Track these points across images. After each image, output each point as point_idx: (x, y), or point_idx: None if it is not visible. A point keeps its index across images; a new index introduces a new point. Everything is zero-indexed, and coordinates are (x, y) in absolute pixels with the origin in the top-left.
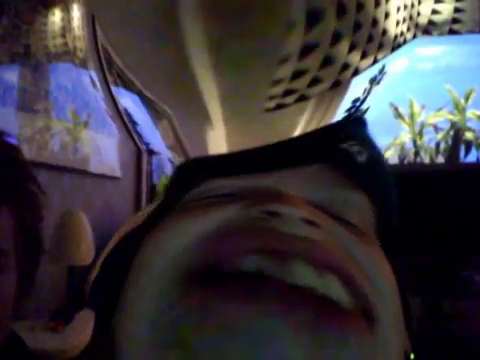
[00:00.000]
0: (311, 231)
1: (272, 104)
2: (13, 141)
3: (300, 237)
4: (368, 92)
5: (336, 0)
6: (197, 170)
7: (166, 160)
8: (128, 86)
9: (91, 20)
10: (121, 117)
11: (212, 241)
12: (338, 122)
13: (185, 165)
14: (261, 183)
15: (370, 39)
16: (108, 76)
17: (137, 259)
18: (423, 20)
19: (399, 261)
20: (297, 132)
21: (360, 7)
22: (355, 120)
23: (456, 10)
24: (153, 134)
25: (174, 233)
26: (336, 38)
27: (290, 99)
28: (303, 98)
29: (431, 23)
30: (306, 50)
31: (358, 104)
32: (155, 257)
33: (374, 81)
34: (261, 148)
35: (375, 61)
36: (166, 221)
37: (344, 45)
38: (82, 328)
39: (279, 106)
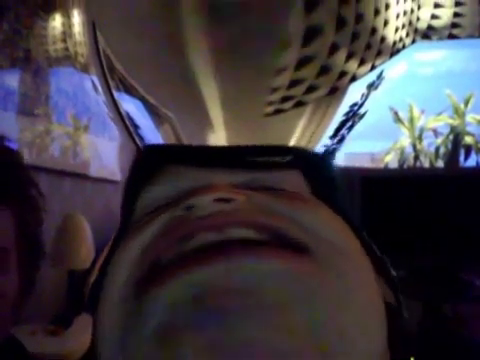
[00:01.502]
0: (222, 206)
1: (271, 109)
2: (13, 146)
3: (207, 215)
4: (366, 97)
5: (335, 15)
6: (157, 156)
7: None
8: (130, 91)
9: (92, 27)
10: (123, 121)
11: (152, 246)
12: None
13: (147, 150)
14: (202, 180)
15: (368, 47)
16: (110, 81)
17: (111, 262)
18: (422, 25)
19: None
20: (295, 135)
21: (359, 18)
22: (305, 153)
23: (455, 15)
24: (155, 138)
25: (126, 252)
26: (333, 49)
27: (288, 105)
28: (300, 104)
29: (430, 28)
30: (302, 62)
31: (356, 109)
32: (119, 263)
33: (372, 86)
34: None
35: (373, 67)
36: (128, 233)
37: (341, 55)
38: (82, 332)
39: (277, 111)
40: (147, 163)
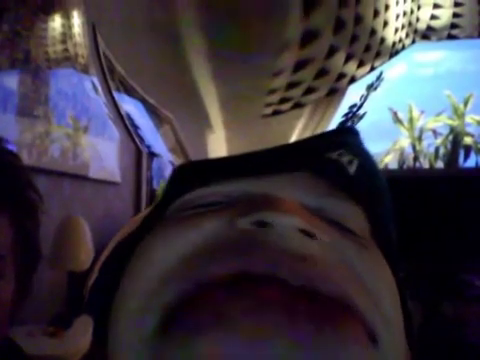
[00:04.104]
0: (309, 245)
1: (269, 110)
2: (12, 148)
3: (297, 255)
4: (365, 98)
5: (334, 17)
6: (193, 173)
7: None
8: (130, 92)
9: (91, 28)
10: (123, 122)
11: (201, 259)
12: (329, 131)
13: (182, 168)
14: (251, 188)
15: (367, 48)
16: (110, 82)
17: (128, 268)
18: (422, 25)
19: (399, 272)
20: (294, 136)
21: (358, 20)
22: (347, 130)
23: (455, 15)
24: (155, 138)
25: (163, 247)
26: (332, 51)
27: (286, 106)
28: (299, 105)
29: (430, 28)
30: (300, 64)
31: (355, 110)
32: (143, 270)
33: (371, 87)
34: (252, 153)
35: (372, 69)
36: (156, 232)
37: (340, 57)
38: (82, 334)
39: (276, 112)
40: (185, 180)
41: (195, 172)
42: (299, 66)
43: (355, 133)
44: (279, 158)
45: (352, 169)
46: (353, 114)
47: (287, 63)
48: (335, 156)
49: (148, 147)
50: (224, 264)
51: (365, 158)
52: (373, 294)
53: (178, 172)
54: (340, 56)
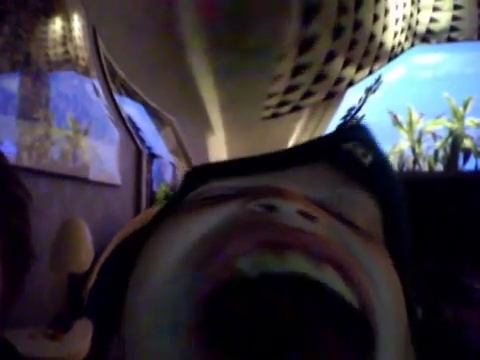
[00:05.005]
0: (307, 223)
1: (268, 113)
2: (13, 149)
3: (296, 228)
4: (363, 101)
5: (333, 23)
6: (203, 175)
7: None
8: (132, 95)
9: (92, 32)
10: (124, 124)
11: (218, 237)
12: (342, 126)
13: (192, 172)
14: (260, 181)
15: (366, 53)
16: (111, 85)
17: (141, 261)
18: (421, 28)
19: (409, 270)
20: (293, 138)
21: (358, 25)
22: (359, 125)
23: (454, 18)
24: (156, 139)
25: (179, 233)
26: (330, 56)
27: (285, 109)
28: (297, 108)
29: (429, 31)
30: (299, 69)
31: (353, 112)
32: (162, 258)
33: (370, 90)
34: (264, 154)
35: (371, 72)
36: (169, 222)
37: (338, 62)
38: (82, 336)
39: (275, 115)
40: (190, 186)
41: (211, 173)
42: (298, 71)
43: (366, 128)
44: (297, 153)
45: (367, 161)
46: (351, 117)
47: (286, 68)
48: (350, 146)
49: (149, 148)
50: (240, 240)
51: (378, 152)
52: (372, 282)
53: (193, 173)
54: (339, 61)
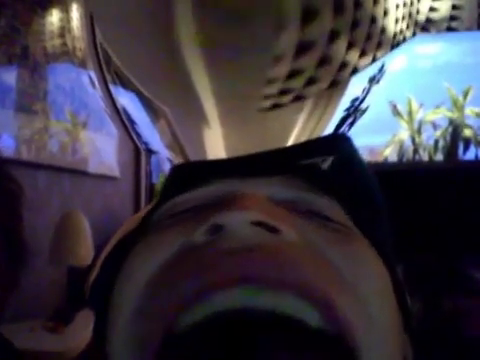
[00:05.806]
0: (265, 237)
1: (267, 104)
2: (11, 143)
3: (248, 249)
4: (367, 91)
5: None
6: (190, 172)
7: (164, 160)
8: (126, 84)
9: (89, 19)
10: (120, 116)
11: (165, 278)
12: (320, 138)
13: (178, 168)
14: (232, 188)
15: (369, 37)
16: (106, 75)
17: (122, 270)
18: (421, 17)
19: (395, 268)
20: (294, 131)
21: (358, 5)
22: (337, 136)
23: (454, 7)
24: (151, 133)
25: (143, 259)
26: (333, 37)
27: (286, 99)
28: (300, 98)
29: (429, 21)
30: (301, 49)
31: (357, 103)
32: (133, 275)
33: (373, 80)
34: (240, 157)
35: (374, 60)
36: (141, 241)
37: (341, 44)
38: (82, 329)
39: (275, 106)
40: (179, 180)
41: (192, 171)
42: (300, 50)
43: (346, 139)
44: (259, 163)
45: (325, 165)
46: (355, 108)
47: (287, 45)
48: (310, 161)
49: (145, 144)
50: (181, 288)
51: (344, 157)
52: (354, 289)
53: (175, 171)
54: (342, 43)
